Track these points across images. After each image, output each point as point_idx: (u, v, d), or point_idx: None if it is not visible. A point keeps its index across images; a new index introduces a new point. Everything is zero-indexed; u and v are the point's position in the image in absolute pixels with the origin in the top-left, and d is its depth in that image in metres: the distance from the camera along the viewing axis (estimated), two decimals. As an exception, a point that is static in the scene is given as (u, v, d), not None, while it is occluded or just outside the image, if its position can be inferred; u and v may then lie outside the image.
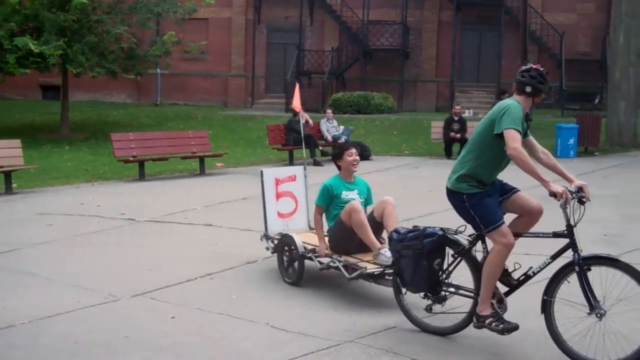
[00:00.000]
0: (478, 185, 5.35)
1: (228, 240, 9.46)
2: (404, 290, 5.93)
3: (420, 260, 5.51)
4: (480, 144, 5.35)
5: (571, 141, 17.81)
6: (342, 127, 18.67)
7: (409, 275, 5.62)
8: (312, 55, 33.14)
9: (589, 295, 5.01)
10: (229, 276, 7.77)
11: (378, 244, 6.56)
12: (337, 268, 6.85)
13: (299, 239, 7.26)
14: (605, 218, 10.70)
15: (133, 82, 29.64)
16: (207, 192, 13.43)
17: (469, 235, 5.57)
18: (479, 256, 5.59)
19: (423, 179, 14.59)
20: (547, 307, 5.19)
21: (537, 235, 5.41)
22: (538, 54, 30.79)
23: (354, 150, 7.14)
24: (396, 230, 5.84)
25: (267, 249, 7.91)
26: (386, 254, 6.35)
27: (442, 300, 5.76)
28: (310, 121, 18.17)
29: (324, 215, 7.18)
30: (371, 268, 6.45)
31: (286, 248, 7.42)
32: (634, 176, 14.70)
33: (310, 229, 7.95)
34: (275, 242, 7.69)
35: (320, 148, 17.92)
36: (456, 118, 18.31)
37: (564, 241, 5.18)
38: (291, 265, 7.33)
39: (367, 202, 7.21)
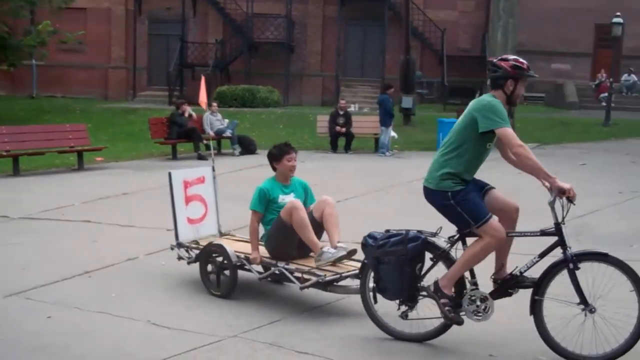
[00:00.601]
0: (461, 183, 5.20)
1: (108, 237, 9.09)
2: (372, 298, 5.60)
3: (403, 267, 5.26)
4: (462, 141, 5.20)
5: (452, 135, 18.24)
6: (226, 121, 18.40)
7: (390, 282, 5.33)
8: (196, 47, 32.63)
9: (582, 292, 5.01)
10: (108, 274, 7.45)
11: (320, 245, 6.22)
12: (281, 277, 6.40)
13: (230, 247, 6.63)
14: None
15: (6, 73, 28.28)
16: (86, 188, 12.89)
17: (449, 237, 5.38)
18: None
19: (309, 173, 14.52)
20: (537, 306, 5.12)
21: (524, 234, 5.31)
22: (421, 49, 31.54)
23: (293, 155, 6.72)
24: (371, 236, 5.49)
25: (181, 259, 7.15)
26: (330, 251, 6.12)
27: (415, 305, 5.50)
28: (194, 114, 17.82)
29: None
30: (329, 275, 6.04)
31: (213, 257, 6.76)
32: (511, 168, 15.07)
33: (221, 234, 7.48)
34: (194, 251, 7.02)
35: (205, 142, 17.60)
36: (341, 112, 18.40)
37: (551, 239, 5.15)
38: (219, 276, 6.69)
39: (307, 202, 6.71)
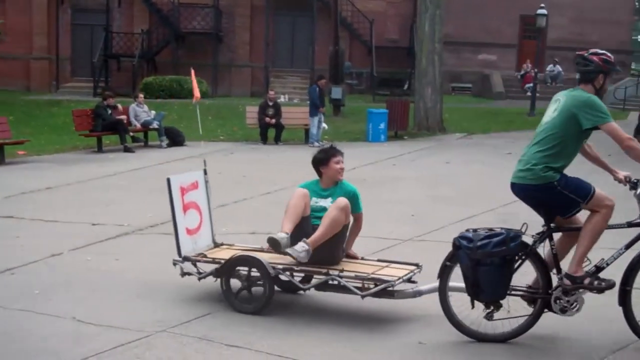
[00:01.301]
0: (561, 172, 5.18)
1: (31, 233, 8.79)
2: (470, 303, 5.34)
3: (505, 267, 5.11)
4: (561, 138, 5.15)
5: (382, 126, 18.35)
6: (153, 112, 18.08)
7: (490, 283, 5.12)
8: (121, 37, 31.96)
9: None
10: (31, 271, 7.20)
11: (283, 228, 5.84)
12: (338, 286, 5.79)
13: (264, 258, 5.94)
14: (413, 199, 11.10)
15: None
16: (8, 182, 12.45)
17: (537, 233, 5.31)
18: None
19: (238, 165, 14.45)
20: (626, 297, 5.10)
21: (611, 227, 5.22)
22: (350, 40, 31.62)
23: (341, 157, 6.22)
24: (464, 237, 5.22)
25: (187, 274, 6.33)
26: (278, 235, 5.76)
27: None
28: (120, 106, 17.44)
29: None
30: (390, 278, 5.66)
31: (240, 271, 6.05)
32: (439, 158, 15.40)
33: (216, 244, 6.73)
34: (210, 265, 6.24)
35: (132, 134, 17.26)
36: (271, 103, 18.30)
37: (636, 231, 5.20)
38: (250, 291, 6.01)
39: (352, 209, 6.09)
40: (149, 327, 5.54)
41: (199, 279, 6.23)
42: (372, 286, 5.65)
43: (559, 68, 32.83)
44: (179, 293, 6.43)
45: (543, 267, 5.28)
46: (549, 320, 5.43)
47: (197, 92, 7.91)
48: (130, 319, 5.73)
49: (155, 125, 17.40)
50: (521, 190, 5.29)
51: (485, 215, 10.16)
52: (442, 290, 5.46)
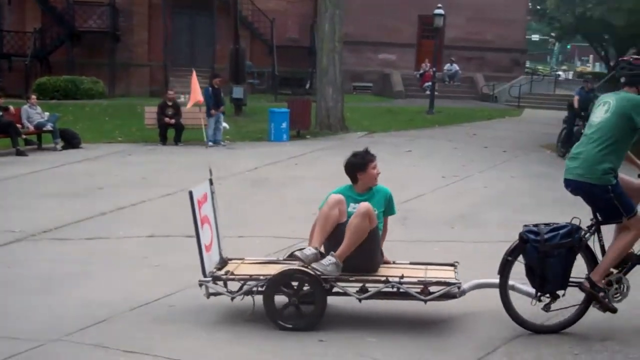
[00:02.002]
0: (616, 176, 5.35)
1: None
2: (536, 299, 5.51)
3: (570, 258, 5.37)
4: (618, 137, 5.31)
5: (284, 125, 18.26)
6: (47, 114, 17.37)
7: (555, 275, 5.34)
8: (12, 36, 30.70)
9: None
10: None
11: (316, 242, 5.66)
12: (396, 293, 5.65)
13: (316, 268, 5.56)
14: (315, 198, 10.99)
15: None
16: None
17: (587, 227, 5.49)
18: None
19: (136, 166, 14.07)
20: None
21: None
22: (251, 39, 31.44)
23: (376, 162, 6.05)
24: (531, 231, 5.43)
25: (214, 295, 5.81)
26: (305, 251, 5.60)
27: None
28: (11, 107, 16.68)
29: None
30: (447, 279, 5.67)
31: (287, 286, 5.63)
32: (341, 157, 15.34)
33: (224, 260, 6.15)
34: (245, 283, 5.72)
35: (24, 137, 16.55)
36: (170, 103, 17.90)
37: None
38: (299, 307, 5.64)
39: (386, 212, 6.10)
40: (42, 335, 5.30)
41: (232, 298, 5.71)
42: (430, 289, 5.60)
43: (456, 67, 33.64)
44: (74, 298, 6.17)
45: (593, 259, 5.52)
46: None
47: (198, 95, 7.01)
48: (22, 327, 5.46)
49: (49, 127, 16.72)
50: (578, 187, 5.48)
51: (387, 212, 10.24)
52: (503, 286, 5.55)
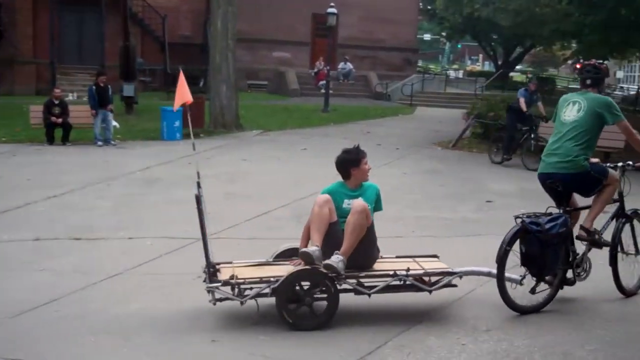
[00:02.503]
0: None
1: None
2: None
3: (565, 245, 6.02)
4: (591, 131, 6.13)
5: (177, 124, 17.93)
6: None
7: (554, 261, 5.90)
8: None
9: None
10: None
11: (312, 243, 5.68)
12: (403, 285, 5.86)
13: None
14: (209, 197, 10.85)
15: None
16: None
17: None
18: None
19: (21, 168, 13.48)
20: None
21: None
22: (142, 36, 30.73)
23: (367, 158, 6.10)
24: (533, 223, 5.81)
25: (219, 301, 5.64)
26: (308, 249, 5.61)
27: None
28: None
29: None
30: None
31: (299, 287, 5.64)
32: (236, 156, 15.31)
33: (212, 264, 5.92)
34: (258, 284, 5.63)
35: None
36: (57, 102, 17.27)
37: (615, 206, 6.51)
38: (311, 306, 5.65)
39: (375, 207, 6.10)
40: None
41: (242, 303, 5.59)
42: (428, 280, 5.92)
43: (350, 65, 33.99)
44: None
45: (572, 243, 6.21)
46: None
47: (185, 97, 6.44)
48: None
49: None
50: (560, 178, 6.09)
51: (281, 210, 10.22)
52: (501, 275, 5.81)
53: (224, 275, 5.76)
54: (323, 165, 14.42)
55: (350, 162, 5.99)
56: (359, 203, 5.75)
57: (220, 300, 5.62)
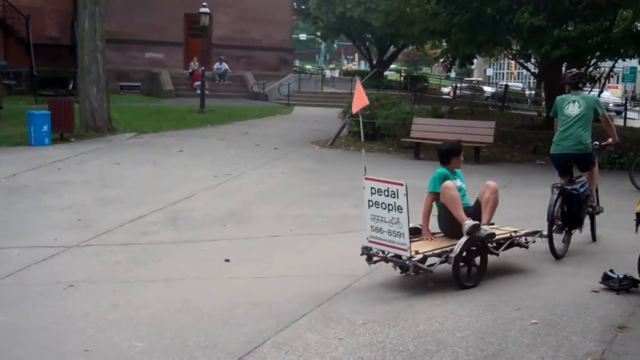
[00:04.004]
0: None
1: None
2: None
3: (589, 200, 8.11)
4: (590, 122, 8.03)
5: (45, 128, 17.19)
6: None
7: (584, 214, 7.99)
8: None
9: None
10: None
11: (465, 218, 6.74)
12: (513, 244, 7.28)
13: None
14: (80, 203, 10.56)
15: None
16: None
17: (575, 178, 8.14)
18: None
19: None
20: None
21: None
22: (4, 37, 29.33)
23: None
24: (573, 188, 7.77)
25: (417, 273, 6.46)
26: (470, 222, 6.67)
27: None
28: None
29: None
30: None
31: (474, 248, 6.83)
32: (109, 160, 14.86)
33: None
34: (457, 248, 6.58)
35: None
36: None
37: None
38: (471, 269, 6.84)
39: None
40: None
41: (431, 271, 6.54)
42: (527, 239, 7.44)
43: (225, 65, 33.73)
44: None
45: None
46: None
47: (364, 100, 7.18)
48: None
49: None
50: (574, 158, 8.02)
51: (155, 214, 10.01)
52: (550, 232, 7.47)
53: (422, 248, 6.67)
54: (200, 167, 14.32)
55: (454, 151, 7.27)
56: (494, 184, 7.14)
57: (417, 271, 6.40)
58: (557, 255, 7.53)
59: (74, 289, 6.69)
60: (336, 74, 53.59)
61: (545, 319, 5.46)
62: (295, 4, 41.76)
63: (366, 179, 6.55)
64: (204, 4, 26.10)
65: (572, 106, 8.07)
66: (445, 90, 45.52)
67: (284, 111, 28.70)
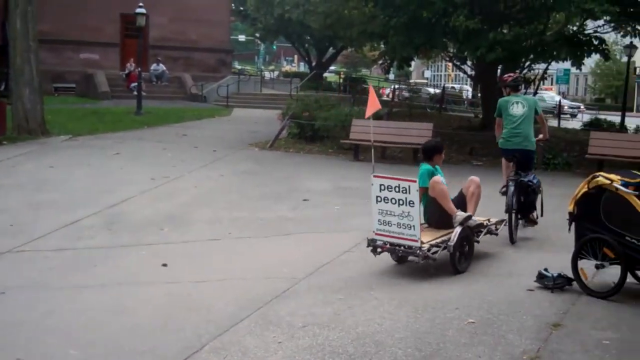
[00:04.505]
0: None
1: None
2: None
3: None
4: (532, 121, 8.93)
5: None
6: None
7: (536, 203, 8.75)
8: None
9: None
10: None
11: (455, 210, 7.43)
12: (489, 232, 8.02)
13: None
14: (12, 208, 10.29)
15: None
16: None
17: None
18: None
19: None
20: None
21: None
22: None
23: None
24: (527, 179, 8.60)
25: (432, 257, 7.05)
26: (462, 214, 7.39)
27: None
28: None
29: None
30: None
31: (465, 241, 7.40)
32: (43, 163, 14.52)
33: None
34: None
35: None
36: None
37: None
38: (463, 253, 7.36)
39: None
40: None
41: (434, 259, 7.10)
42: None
43: (163, 67, 33.32)
44: None
45: None
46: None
47: (377, 105, 8.03)
48: None
49: None
50: (523, 153, 8.82)
51: (91, 218, 9.81)
52: (512, 219, 8.36)
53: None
54: (137, 169, 14.10)
55: (437, 149, 7.91)
56: (477, 179, 7.84)
57: (425, 259, 6.99)
58: (514, 240, 8.36)
59: (6, 297, 6.51)
60: (275, 75, 53.53)
61: (482, 318, 5.54)
62: (233, 5, 41.57)
63: (375, 176, 7.11)
64: (140, 4, 25.74)
65: (516, 107, 8.97)
66: (385, 92, 45.90)
67: (222, 113, 28.51)
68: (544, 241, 8.59)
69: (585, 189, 6.42)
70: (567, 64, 20.73)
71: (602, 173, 6.48)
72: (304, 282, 6.88)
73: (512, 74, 9.51)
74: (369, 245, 7.17)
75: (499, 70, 19.54)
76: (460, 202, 7.73)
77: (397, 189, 6.91)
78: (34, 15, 18.85)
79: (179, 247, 8.57)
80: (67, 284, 7.01)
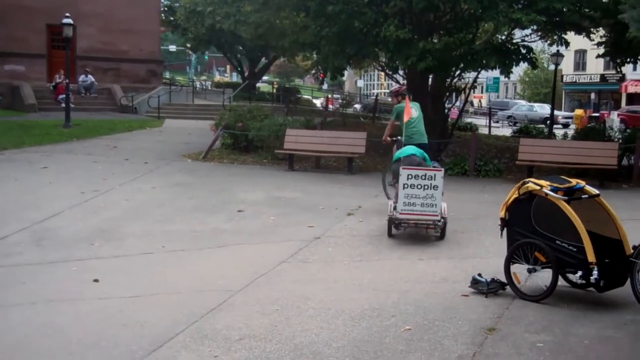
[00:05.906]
0: None
1: None
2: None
3: None
4: (422, 120, 10.87)
5: None
6: None
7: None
8: None
9: None
10: None
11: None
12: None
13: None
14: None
15: None
16: None
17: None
18: None
19: None
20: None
21: None
22: None
23: None
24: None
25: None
26: None
27: None
28: None
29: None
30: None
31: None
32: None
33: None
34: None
35: None
36: None
37: None
38: None
39: None
40: None
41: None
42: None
43: (91, 78, 32.67)
44: None
45: None
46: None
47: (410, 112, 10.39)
48: None
49: None
50: (424, 146, 10.20)
51: (20, 234, 9.51)
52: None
53: None
54: (66, 183, 13.76)
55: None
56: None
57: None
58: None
59: None
60: (208, 85, 53.13)
61: (418, 325, 5.57)
62: (163, 15, 41.09)
63: (404, 168, 9.00)
64: (67, 14, 25.20)
65: (414, 110, 10.81)
66: (318, 102, 46.03)
67: (154, 124, 28.12)
68: (477, 247, 8.71)
69: (515, 195, 6.54)
70: (496, 73, 21.14)
71: (532, 179, 6.61)
72: (240, 294, 6.81)
73: (404, 85, 12.16)
74: (390, 224, 9.05)
75: (430, 79, 19.79)
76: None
77: (423, 177, 8.93)
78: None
79: (111, 262, 8.37)
80: (-6, 303, 6.77)
